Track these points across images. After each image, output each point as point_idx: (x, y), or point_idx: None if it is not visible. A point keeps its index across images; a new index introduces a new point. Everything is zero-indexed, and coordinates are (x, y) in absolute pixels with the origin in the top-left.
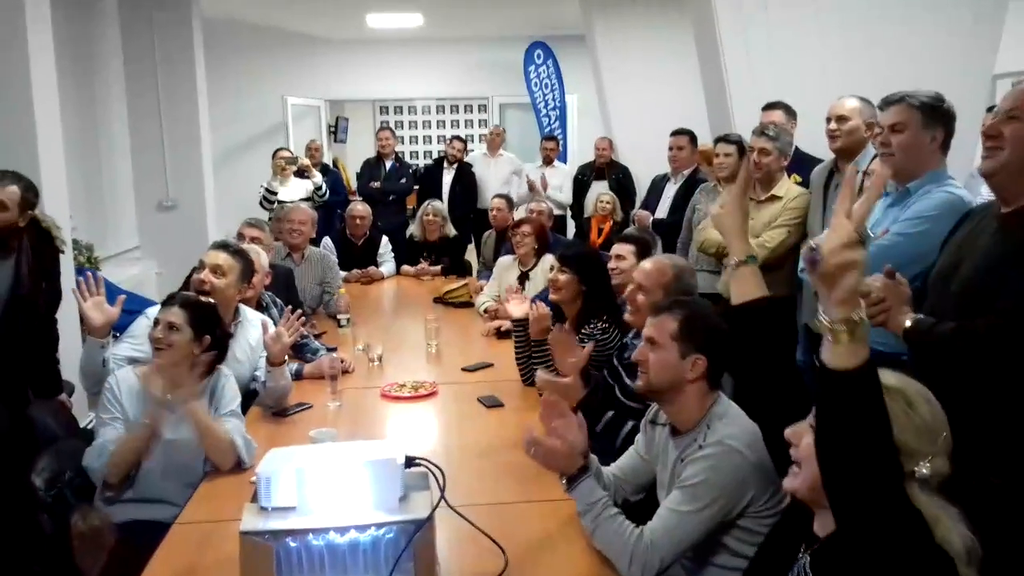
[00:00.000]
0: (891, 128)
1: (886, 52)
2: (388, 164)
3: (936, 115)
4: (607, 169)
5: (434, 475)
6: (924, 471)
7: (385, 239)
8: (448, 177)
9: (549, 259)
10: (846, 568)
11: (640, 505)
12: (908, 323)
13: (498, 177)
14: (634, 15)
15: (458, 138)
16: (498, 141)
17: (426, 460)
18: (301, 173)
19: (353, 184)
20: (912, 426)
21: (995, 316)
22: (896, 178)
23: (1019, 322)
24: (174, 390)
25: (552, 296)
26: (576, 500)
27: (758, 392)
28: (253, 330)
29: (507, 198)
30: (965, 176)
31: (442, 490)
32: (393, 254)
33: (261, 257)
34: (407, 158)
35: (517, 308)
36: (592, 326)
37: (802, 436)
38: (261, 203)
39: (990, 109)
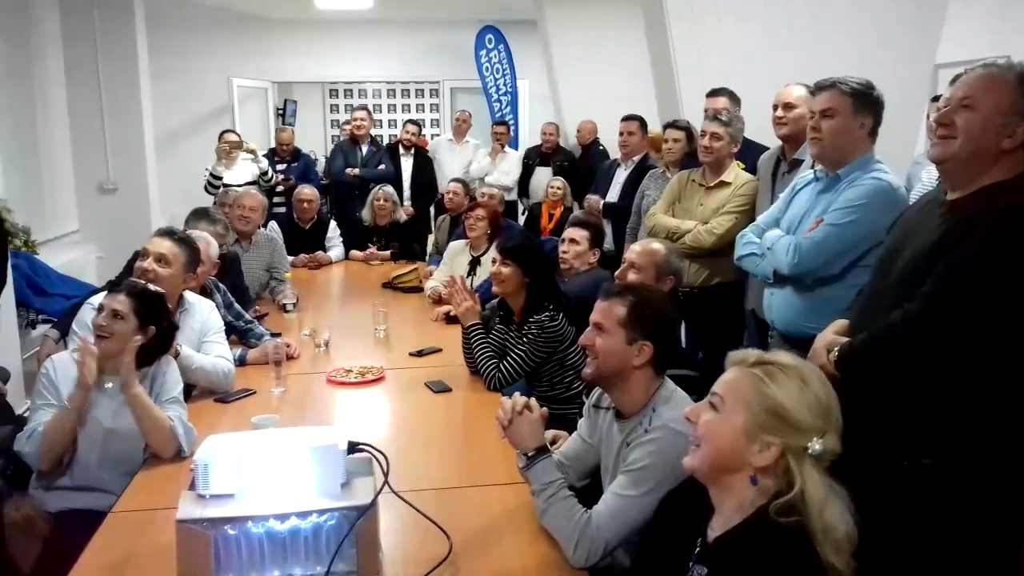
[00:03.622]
0: (822, 113)
1: (831, 41)
2: (364, 148)
3: (866, 102)
4: (552, 155)
5: (378, 460)
6: (817, 447)
7: (333, 223)
8: (407, 164)
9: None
10: None
11: (585, 491)
12: (834, 359)
13: (464, 163)
14: (585, 1)
15: (412, 122)
16: (464, 127)
17: (369, 445)
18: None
19: None
20: (806, 402)
21: (907, 305)
22: (825, 163)
23: (936, 304)
24: (113, 376)
25: (495, 289)
26: (531, 479)
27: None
28: (197, 316)
29: (463, 182)
30: (908, 163)
31: (386, 475)
32: (342, 239)
33: (211, 247)
34: None
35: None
36: (539, 316)
37: (700, 414)
38: (206, 188)
39: (936, 99)
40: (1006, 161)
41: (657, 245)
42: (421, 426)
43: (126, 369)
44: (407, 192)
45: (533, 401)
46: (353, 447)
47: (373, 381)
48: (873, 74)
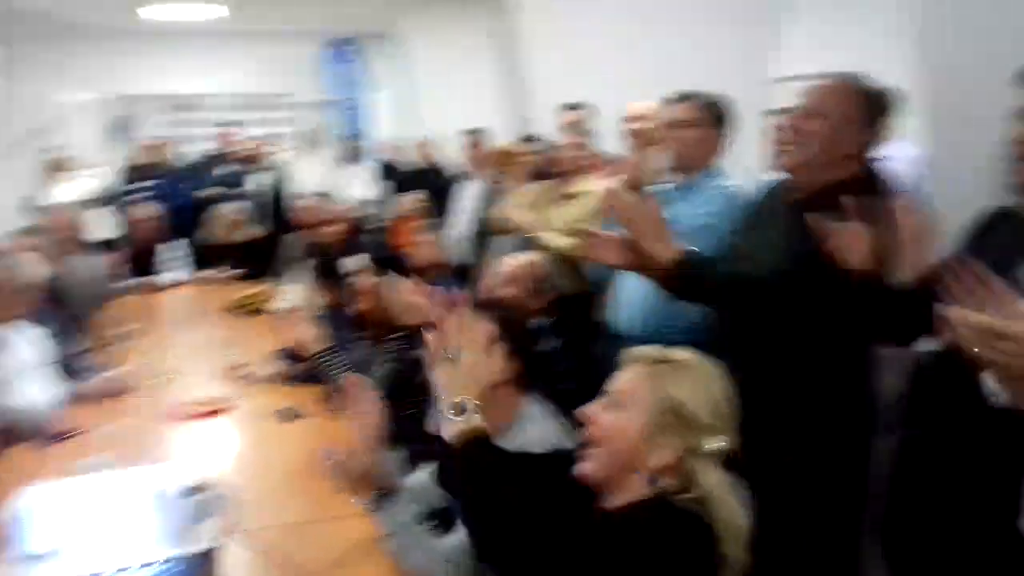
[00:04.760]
0: (680, 124)
1: (676, 55)
2: (224, 167)
3: (721, 115)
4: (392, 170)
5: (222, 501)
6: (716, 445)
7: (175, 243)
8: (259, 179)
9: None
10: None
11: (445, 511)
12: (677, 255)
13: (315, 178)
14: (441, 13)
15: (260, 136)
16: (315, 141)
17: (213, 484)
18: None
19: None
20: (705, 401)
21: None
22: (678, 171)
23: (779, 292)
24: None
25: (359, 307)
26: (382, 522)
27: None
28: (16, 349)
29: (319, 197)
30: (742, 171)
31: (231, 516)
32: (190, 259)
33: (33, 271)
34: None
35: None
36: (399, 335)
37: (597, 415)
38: (26, 210)
39: (777, 112)
40: (851, 163)
41: (536, 258)
42: (272, 458)
43: None
44: (257, 209)
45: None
46: (194, 487)
47: (218, 412)
48: (714, 87)
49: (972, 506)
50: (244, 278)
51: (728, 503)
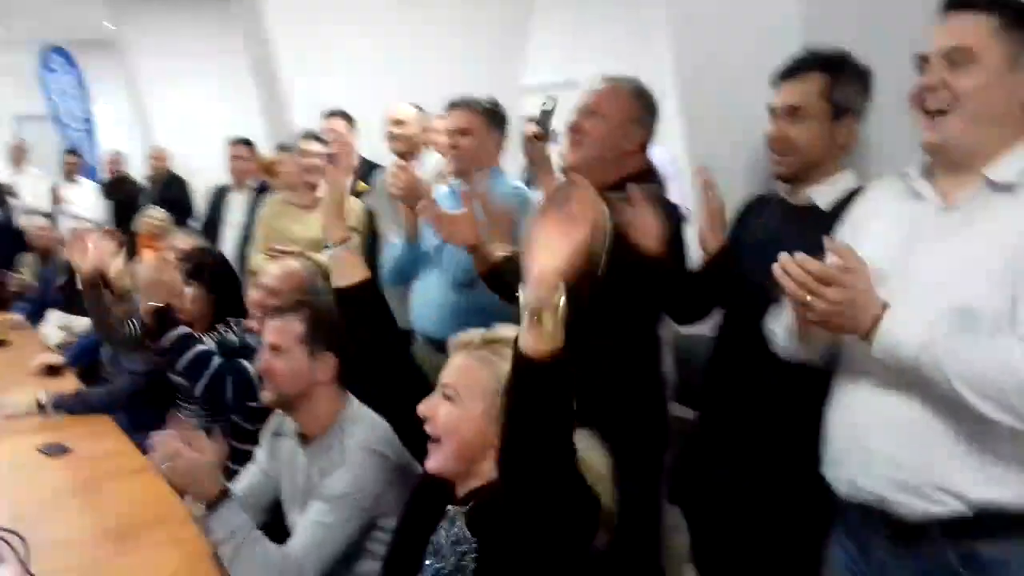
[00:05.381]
0: (459, 131)
1: (429, 64)
2: None
3: (496, 119)
4: (114, 185)
5: (11, 546)
6: None
7: None
8: None
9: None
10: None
11: (266, 529)
12: (508, 253)
13: (30, 196)
14: (171, 19)
15: None
16: (20, 156)
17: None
18: None
19: None
20: None
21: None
22: (461, 175)
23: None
24: None
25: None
26: (214, 528)
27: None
28: None
29: (48, 216)
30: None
31: (24, 563)
32: None
33: None
34: None
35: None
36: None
37: (436, 409)
38: None
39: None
40: (630, 160)
41: (294, 265)
42: (50, 497)
43: None
44: None
45: (202, 439)
46: None
47: None
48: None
49: (766, 459)
50: None
51: (586, 457)
